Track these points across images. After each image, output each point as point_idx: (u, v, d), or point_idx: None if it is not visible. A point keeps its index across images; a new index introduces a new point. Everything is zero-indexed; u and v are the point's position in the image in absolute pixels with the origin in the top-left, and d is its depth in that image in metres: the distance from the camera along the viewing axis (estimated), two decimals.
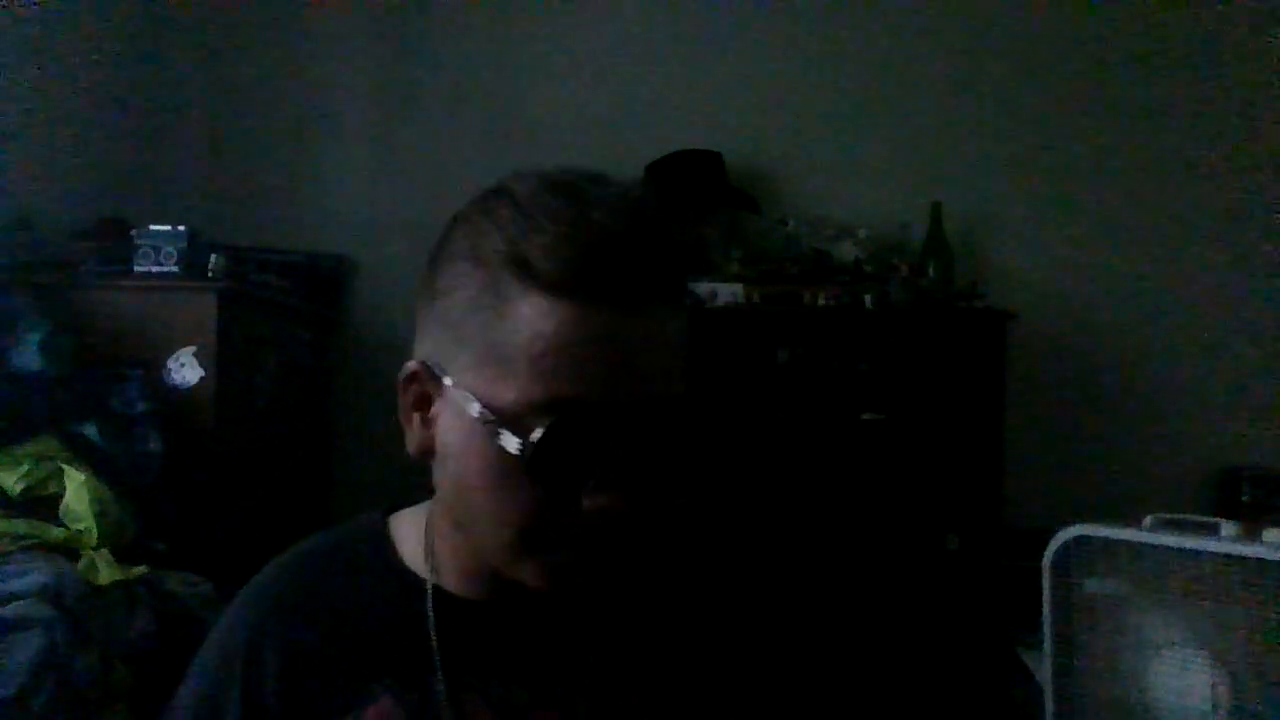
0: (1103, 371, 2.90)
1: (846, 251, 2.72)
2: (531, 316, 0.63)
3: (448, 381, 0.67)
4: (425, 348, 0.71)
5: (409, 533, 0.79)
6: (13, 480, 1.76)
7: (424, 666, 0.72)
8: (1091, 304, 2.91)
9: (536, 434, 0.63)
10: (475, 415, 0.65)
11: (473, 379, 0.66)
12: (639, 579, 0.79)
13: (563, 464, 0.63)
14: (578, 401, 0.63)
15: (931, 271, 2.67)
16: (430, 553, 0.76)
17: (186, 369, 2.14)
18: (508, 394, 0.64)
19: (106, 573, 1.65)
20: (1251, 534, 1.04)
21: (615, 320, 0.63)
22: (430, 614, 0.73)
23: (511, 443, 0.63)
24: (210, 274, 2.21)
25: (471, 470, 0.67)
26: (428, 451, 0.71)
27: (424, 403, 0.71)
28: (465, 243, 0.69)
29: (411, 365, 0.71)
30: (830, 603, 2.29)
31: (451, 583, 0.75)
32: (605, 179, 0.68)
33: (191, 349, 2.15)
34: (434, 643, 0.73)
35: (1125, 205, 2.91)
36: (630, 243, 0.63)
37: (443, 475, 0.71)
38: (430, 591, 0.74)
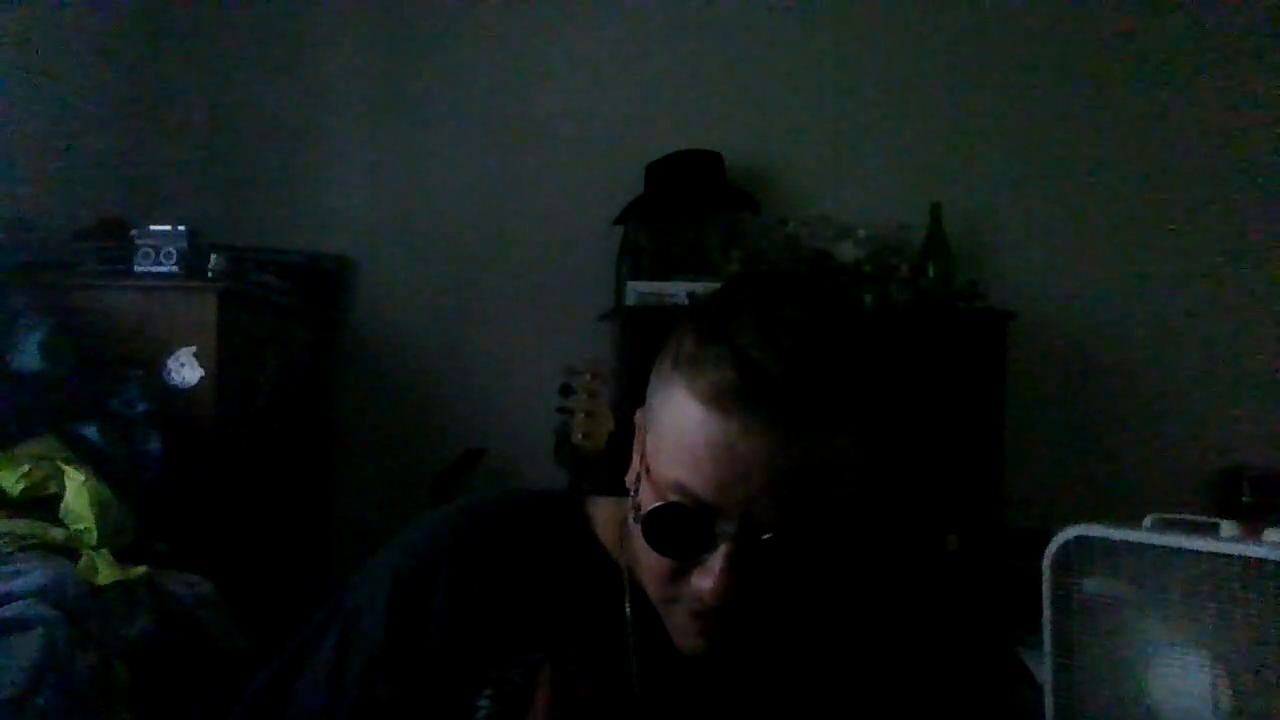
0: (1103, 371, 2.90)
1: (846, 251, 2.72)
2: (681, 411, 0.71)
3: (647, 436, 0.77)
4: (650, 397, 0.78)
5: (605, 519, 0.85)
6: (13, 480, 1.76)
7: (616, 648, 0.78)
8: (1091, 304, 2.91)
9: (647, 508, 0.73)
10: (637, 471, 0.76)
11: (650, 442, 0.75)
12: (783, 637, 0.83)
13: (663, 541, 0.72)
14: (691, 494, 0.70)
15: (931, 271, 2.67)
16: (625, 546, 0.81)
17: (186, 369, 2.14)
18: (655, 464, 0.74)
19: (106, 573, 1.65)
20: (1251, 534, 1.04)
21: (739, 434, 0.68)
22: (628, 603, 0.79)
23: (636, 507, 0.74)
24: (210, 274, 2.21)
25: (635, 510, 0.76)
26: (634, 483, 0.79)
27: (643, 442, 0.79)
28: (687, 330, 0.74)
29: (640, 410, 0.80)
30: (829, 604, 2.29)
31: (640, 580, 0.79)
32: (812, 296, 0.74)
33: (191, 349, 2.14)
34: (630, 630, 0.79)
35: (1125, 205, 2.91)
36: (766, 366, 0.68)
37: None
38: (628, 582, 0.80)
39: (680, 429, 0.71)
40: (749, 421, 0.68)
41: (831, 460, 0.69)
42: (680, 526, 0.71)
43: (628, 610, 0.79)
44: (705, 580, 0.70)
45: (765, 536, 0.69)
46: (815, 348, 0.69)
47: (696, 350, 0.71)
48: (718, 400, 0.69)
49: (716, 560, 0.70)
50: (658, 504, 0.72)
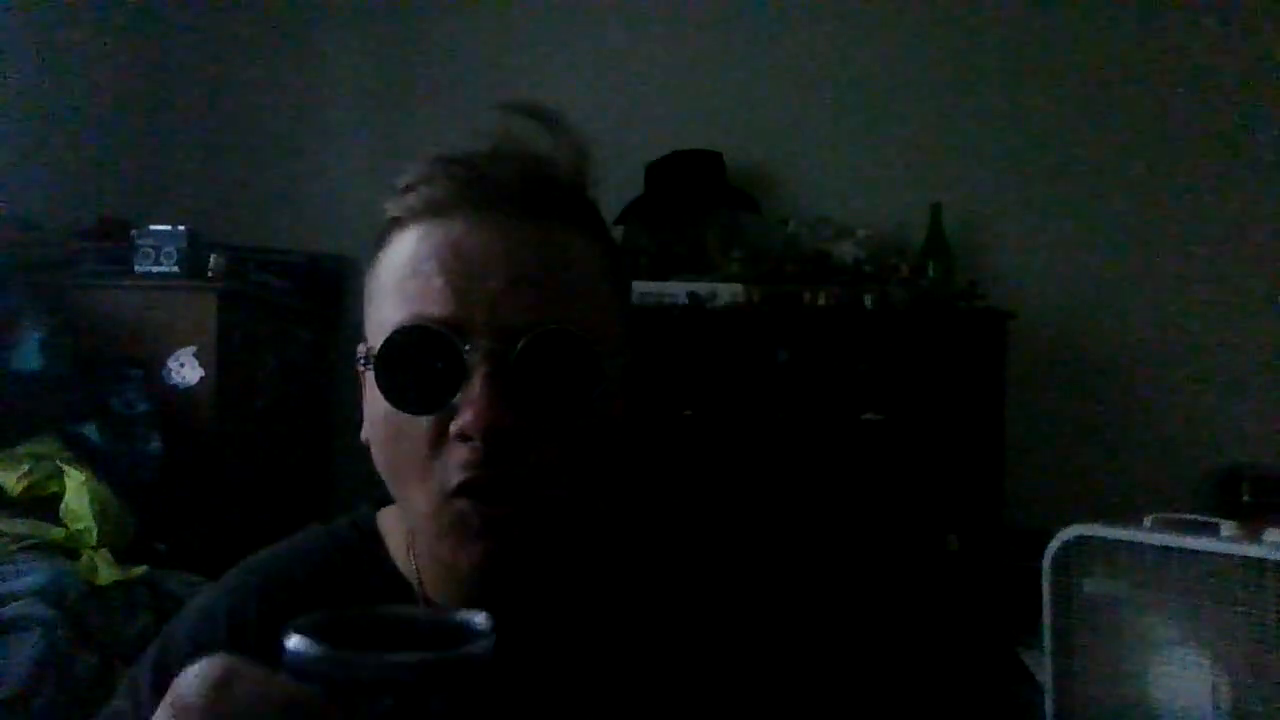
0: (1103, 371, 2.90)
1: (846, 251, 2.72)
2: (398, 248, 0.64)
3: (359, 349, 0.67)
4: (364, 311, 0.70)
5: (394, 528, 0.75)
6: (13, 480, 1.76)
7: None
8: (1091, 304, 2.91)
9: (376, 352, 0.63)
10: (360, 364, 0.66)
11: (367, 337, 0.67)
12: (592, 578, 0.73)
13: (404, 391, 0.62)
14: (427, 319, 0.61)
15: (931, 271, 2.67)
16: (413, 553, 0.72)
17: (186, 369, 2.14)
18: (377, 331, 0.64)
19: (106, 573, 1.65)
20: (1251, 534, 1.04)
21: (464, 233, 0.62)
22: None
23: (371, 371, 0.64)
24: (210, 274, 2.21)
25: (372, 427, 0.67)
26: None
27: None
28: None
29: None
30: (829, 603, 2.29)
31: (435, 587, 0.70)
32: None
33: (191, 349, 2.15)
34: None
35: (1125, 205, 2.91)
36: (476, 161, 0.64)
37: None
38: (420, 600, 0.70)
39: (400, 262, 0.63)
40: (471, 216, 0.62)
41: (565, 254, 0.64)
42: (421, 359, 0.61)
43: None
44: (467, 413, 0.59)
45: (520, 344, 0.60)
46: (517, 149, 0.67)
47: (398, 196, 0.65)
48: (433, 208, 0.63)
49: (474, 386, 0.59)
50: (387, 337, 0.62)
